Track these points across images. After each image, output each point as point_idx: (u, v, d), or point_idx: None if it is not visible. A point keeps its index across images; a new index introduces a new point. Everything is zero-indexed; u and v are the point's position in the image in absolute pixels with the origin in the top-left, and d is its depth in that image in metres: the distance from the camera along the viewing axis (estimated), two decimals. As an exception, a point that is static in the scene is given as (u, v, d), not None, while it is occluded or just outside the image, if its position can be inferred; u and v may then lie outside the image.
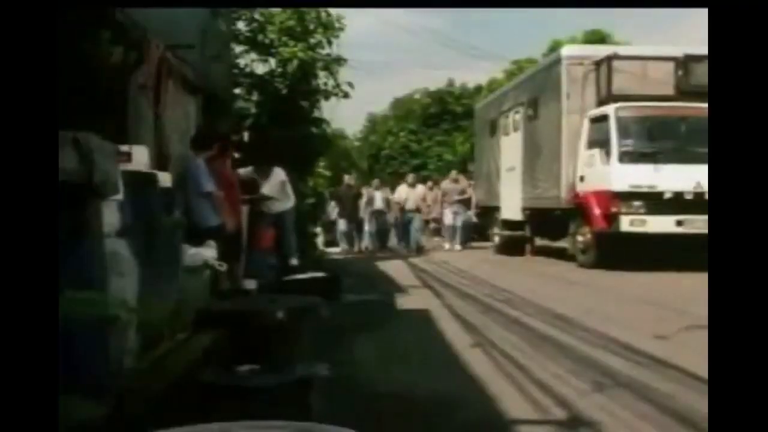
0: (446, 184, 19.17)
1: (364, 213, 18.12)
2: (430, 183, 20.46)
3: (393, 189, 20.00)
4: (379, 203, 18.36)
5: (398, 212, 18.46)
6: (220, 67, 10.91)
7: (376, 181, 20.24)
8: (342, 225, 18.30)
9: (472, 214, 18.89)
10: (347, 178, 19.43)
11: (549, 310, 7.28)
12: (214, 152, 7.10)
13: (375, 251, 17.82)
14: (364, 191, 18.69)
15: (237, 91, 13.30)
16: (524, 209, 14.55)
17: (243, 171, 9.35)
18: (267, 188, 9.50)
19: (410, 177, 19.75)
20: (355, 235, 18.30)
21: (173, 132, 7.77)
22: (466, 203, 18.67)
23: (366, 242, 18.48)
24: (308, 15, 13.50)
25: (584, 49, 15.37)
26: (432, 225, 20.45)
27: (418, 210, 18.24)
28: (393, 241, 18.92)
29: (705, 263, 2.03)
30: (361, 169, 36.64)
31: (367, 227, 18.30)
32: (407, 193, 18.52)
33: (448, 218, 18.48)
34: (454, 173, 19.92)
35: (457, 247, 18.00)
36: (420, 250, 17.52)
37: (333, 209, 19.12)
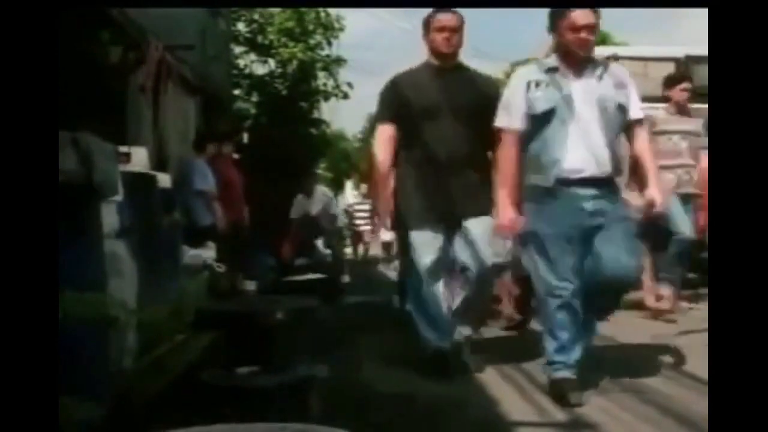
0: (665, 115, 5.87)
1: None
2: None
3: None
4: None
5: None
6: (220, 67, 10.94)
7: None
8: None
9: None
10: None
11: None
12: (212, 152, 7.11)
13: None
14: None
15: (237, 91, 13.33)
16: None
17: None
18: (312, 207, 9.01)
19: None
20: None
21: (173, 132, 7.79)
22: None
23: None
24: (308, 15, 13.50)
25: (584, 49, 15.32)
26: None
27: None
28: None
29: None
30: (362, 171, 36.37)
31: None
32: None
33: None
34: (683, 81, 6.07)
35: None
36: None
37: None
